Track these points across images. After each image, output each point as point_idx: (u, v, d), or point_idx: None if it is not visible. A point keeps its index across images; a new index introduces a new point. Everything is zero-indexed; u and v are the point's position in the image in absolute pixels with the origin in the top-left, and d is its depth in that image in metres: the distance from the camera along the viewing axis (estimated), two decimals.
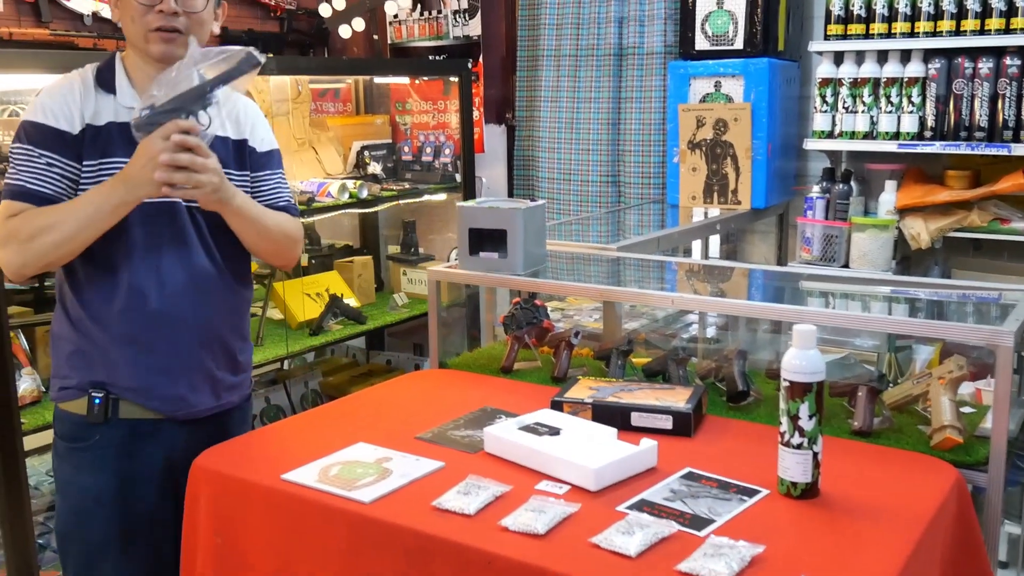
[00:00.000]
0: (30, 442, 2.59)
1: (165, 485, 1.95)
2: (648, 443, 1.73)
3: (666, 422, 1.90)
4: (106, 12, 3.58)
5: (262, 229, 1.96)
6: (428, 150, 4.31)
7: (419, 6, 4.56)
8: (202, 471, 1.82)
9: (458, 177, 4.16)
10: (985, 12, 3.12)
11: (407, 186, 4.11)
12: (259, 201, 2.01)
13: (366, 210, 4.07)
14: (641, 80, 3.93)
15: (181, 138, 1.71)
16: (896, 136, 3.31)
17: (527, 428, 1.83)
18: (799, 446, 1.57)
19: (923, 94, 3.25)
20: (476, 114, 4.28)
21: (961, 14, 3.17)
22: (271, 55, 4.18)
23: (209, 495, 1.79)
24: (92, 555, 1.95)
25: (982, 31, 3.13)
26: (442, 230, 4.49)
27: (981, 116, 3.16)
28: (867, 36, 3.33)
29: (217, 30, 1.97)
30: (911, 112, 3.27)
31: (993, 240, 3.23)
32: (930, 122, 3.25)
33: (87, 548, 1.95)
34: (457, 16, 4.47)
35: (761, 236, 3.93)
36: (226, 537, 1.77)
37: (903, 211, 3.31)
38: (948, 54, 3.21)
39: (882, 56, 3.34)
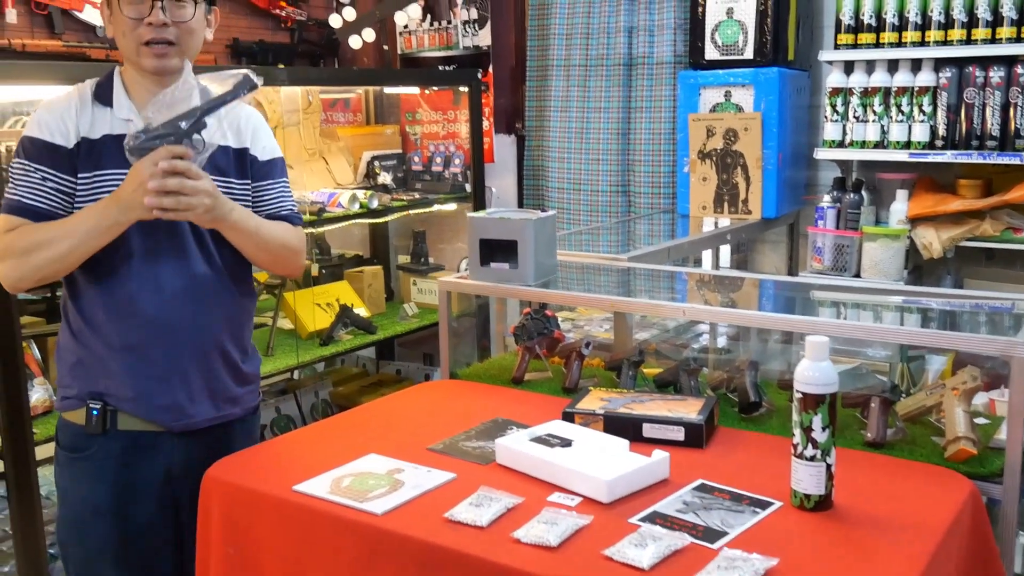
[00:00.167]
0: (42, 452, 2.59)
1: (164, 496, 1.96)
2: (660, 455, 1.73)
3: (678, 433, 1.89)
4: None
5: (260, 241, 1.96)
6: (438, 160, 4.32)
7: (429, 17, 4.58)
8: (214, 482, 1.82)
9: (468, 187, 4.16)
10: (996, 21, 3.12)
11: (417, 196, 4.12)
12: (261, 210, 2.01)
13: (376, 220, 4.08)
14: (651, 90, 3.94)
15: (169, 164, 1.72)
16: (907, 145, 3.30)
17: (539, 439, 1.82)
18: (812, 458, 1.57)
19: (934, 103, 3.25)
20: (486, 124, 4.28)
21: (972, 23, 3.16)
22: (282, 66, 4.21)
23: (221, 506, 1.79)
24: (91, 563, 1.96)
25: (993, 40, 3.13)
26: (452, 240, 4.49)
27: (993, 125, 3.15)
28: (877, 45, 3.33)
29: (210, 36, 1.98)
30: (922, 121, 3.26)
31: (1006, 250, 3.22)
32: (941, 131, 3.24)
33: (86, 556, 1.96)
34: (467, 26, 4.48)
35: (772, 246, 3.92)
36: (238, 548, 1.76)
37: (915, 220, 3.30)
38: (959, 63, 3.21)
39: (893, 65, 3.33)
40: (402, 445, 1.91)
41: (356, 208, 3.67)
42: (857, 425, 1.99)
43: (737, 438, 1.96)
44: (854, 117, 3.38)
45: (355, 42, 4.29)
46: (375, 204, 3.77)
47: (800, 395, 1.57)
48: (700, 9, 3.62)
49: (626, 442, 1.79)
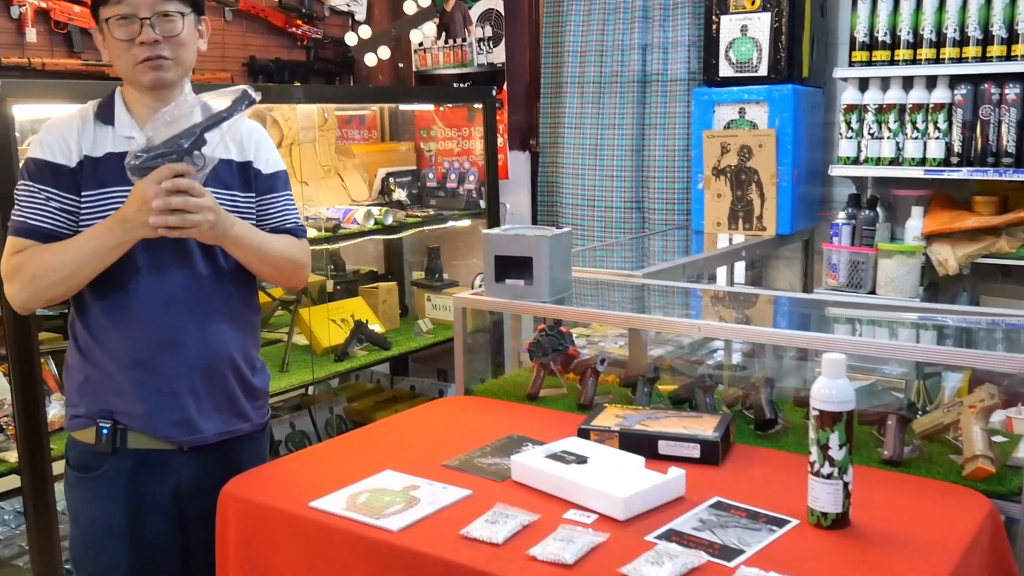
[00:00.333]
0: (59, 467, 2.59)
1: (173, 514, 1.96)
2: (676, 472, 1.72)
3: (694, 450, 1.89)
4: None
5: (264, 256, 1.97)
6: (452, 177, 4.33)
7: (444, 34, 4.60)
8: (230, 498, 1.82)
9: (482, 203, 4.17)
10: (1011, 38, 3.12)
11: (432, 212, 4.13)
12: (265, 223, 2.03)
13: (391, 236, 4.09)
14: (665, 107, 3.95)
15: (172, 183, 1.74)
16: (922, 162, 3.29)
17: (554, 456, 1.82)
18: (829, 476, 1.56)
19: (949, 120, 3.24)
20: (500, 141, 4.30)
21: (987, 40, 3.16)
22: (298, 83, 4.24)
23: (237, 522, 1.80)
24: None
25: (1008, 57, 3.12)
26: (466, 256, 4.50)
27: (1008, 142, 3.14)
28: (892, 62, 3.33)
29: (204, 47, 1.99)
30: (937, 138, 3.25)
31: (1022, 267, 3.20)
32: (956, 148, 3.24)
33: (101, 574, 1.97)
34: (481, 44, 4.51)
35: (786, 262, 3.91)
36: (254, 564, 1.77)
37: (930, 237, 3.29)
38: (974, 80, 3.20)
39: (907, 82, 3.33)
40: (418, 461, 1.91)
41: (371, 224, 3.68)
42: (874, 443, 1.98)
43: (753, 455, 1.95)
44: (869, 134, 3.38)
45: (370, 60, 4.31)
46: (390, 220, 3.79)
47: (817, 413, 1.57)
48: (714, 26, 3.64)
49: (642, 459, 1.79)
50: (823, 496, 1.57)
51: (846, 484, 1.57)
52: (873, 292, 3.36)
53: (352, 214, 3.67)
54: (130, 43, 1.85)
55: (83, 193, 1.86)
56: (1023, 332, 2.17)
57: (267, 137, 2.11)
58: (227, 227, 1.86)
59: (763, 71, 3.55)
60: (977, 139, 3.20)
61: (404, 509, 1.67)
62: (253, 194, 2.02)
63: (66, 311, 2.96)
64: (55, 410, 2.70)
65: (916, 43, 3.28)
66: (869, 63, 3.37)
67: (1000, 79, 3.15)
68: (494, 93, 4.18)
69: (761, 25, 3.53)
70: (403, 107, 4.60)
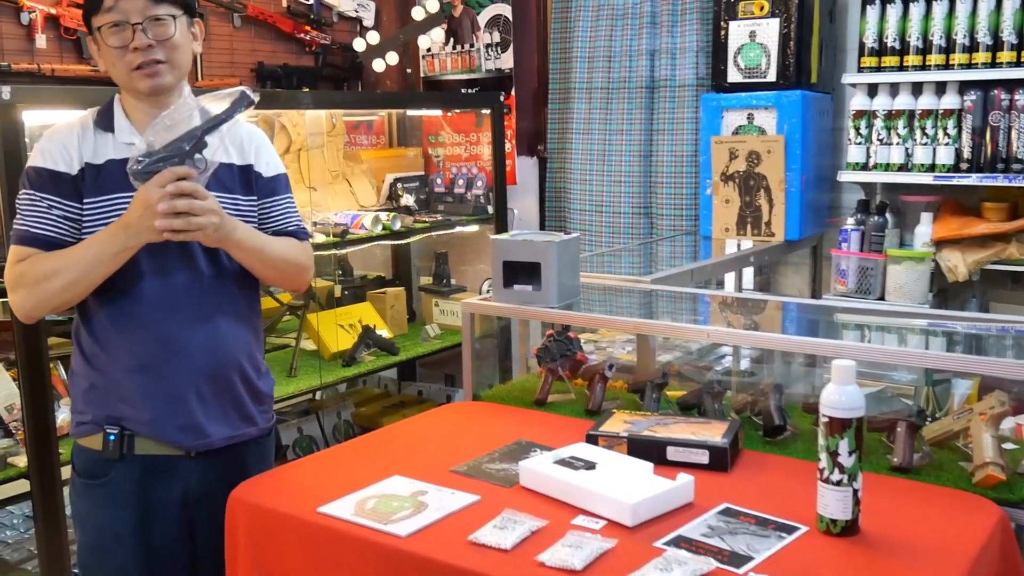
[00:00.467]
0: (68, 472, 2.60)
1: (180, 519, 1.96)
2: (685, 478, 1.72)
3: (702, 456, 1.88)
4: None
5: (266, 258, 1.97)
6: (460, 182, 4.34)
7: (452, 40, 4.61)
8: (239, 503, 1.83)
9: (490, 209, 4.18)
10: (1021, 44, 3.11)
11: (439, 218, 4.14)
12: (267, 226, 2.03)
13: (399, 241, 4.10)
14: (673, 112, 3.95)
15: (176, 186, 1.74)
16: (932, 168, 3.29)
17: (562, 462, 1.82)
18: (839, 482, 1.56)
19: (959, 126, 3.23)
20: (508, 146, 4.30)
21: (997, 46, 3.16)
22: (306, 89, 4.24)
23: (246, 527, 1.80)
24: None
25: (1018, 63, 3.12)
26: (474, 261, 4.50)
27: (1018, 148, 3.13)
28: (901, 68, 3.33)
29: (199, 49, 1.99)
30: (947, 144, 3.25)
31: None
32: (966, 154, 3.23)
33: None
34: (489, 49, 4.51)
35: (795, 268, 3.91)
36: (263, 569, 1.77)
37: (939, 243, 3.28)
38: (984, 86, 3.20)
39: (917, 88, 3.33)
40: (426, 467, 1.91)
41: (379, 230, 3.69)
42: (883, 450, 1.97)
43: (762, 462, 1.95)
44: (878, 140, 3.37)
45: (379, 65, 4.32)
46: (398, 226, 3.79)
47: (826, 419, 1.56)
48: (723, 32, 3.64)
49: (650, 465, 1.79)
50: (832, 503, 1.57)
51: (856, 491, 1.56)
52: (882, 298, 3.35)
53: (360, 219, 3.67)
54: (124, 50, 1.85)
55: (85, 200, 1.87)
56: None
57: (267, 141, 2.11)
58: (230, 229, 1.86)
59: (772, 77, 3.55)
60: (987, 145, 3.19)
61: (412, 515, 1.67)
62: (255, 197, 2.03)
63: (74, 316, 2.99)
64: (64, 415, 2.70)
65: (925, 49, 3.28)
66: (878, 69, 3.37)
67: (1010, 85, 3.15)
68: (502, 98, 4.18)
69: (770, 31, 3.53)
70: (411, 112, 4.61)
